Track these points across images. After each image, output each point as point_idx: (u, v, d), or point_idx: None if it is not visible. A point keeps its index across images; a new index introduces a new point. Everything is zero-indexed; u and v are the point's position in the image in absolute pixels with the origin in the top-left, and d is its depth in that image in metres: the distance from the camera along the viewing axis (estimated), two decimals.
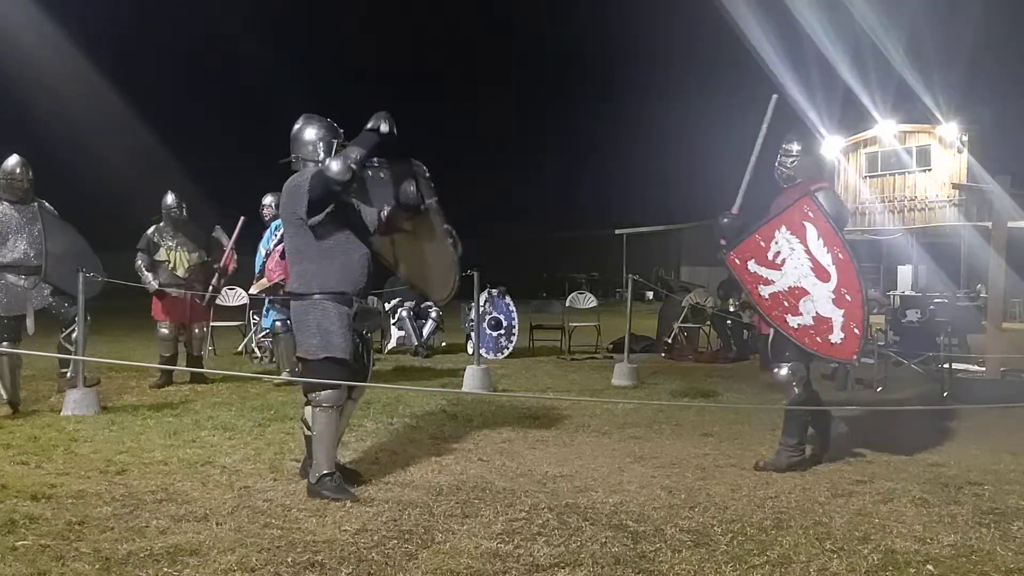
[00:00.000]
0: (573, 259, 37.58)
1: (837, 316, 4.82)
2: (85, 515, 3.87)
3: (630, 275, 10.13)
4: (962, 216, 24.94)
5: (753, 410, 6.72)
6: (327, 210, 4.26)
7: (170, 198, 8.28)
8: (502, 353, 11.22)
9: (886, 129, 27.01)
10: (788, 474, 4.88)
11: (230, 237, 8.68)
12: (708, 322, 12.12)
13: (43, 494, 4.16)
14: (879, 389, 8.37)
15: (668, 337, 11.82)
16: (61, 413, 6.33)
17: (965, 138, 25.24)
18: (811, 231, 4.91)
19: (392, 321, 11.72)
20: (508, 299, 11.57)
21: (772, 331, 5.13)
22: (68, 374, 6.84)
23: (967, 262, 24.18)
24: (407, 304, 11.40)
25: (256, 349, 10.83)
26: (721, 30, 29.56)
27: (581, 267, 36.30)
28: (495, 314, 11.33)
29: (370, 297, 4.53)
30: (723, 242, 5.19)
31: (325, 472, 4.24)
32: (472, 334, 9.54)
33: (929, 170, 26.47)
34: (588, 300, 12.98)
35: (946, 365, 8.35)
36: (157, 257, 8.11)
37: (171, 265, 8.15)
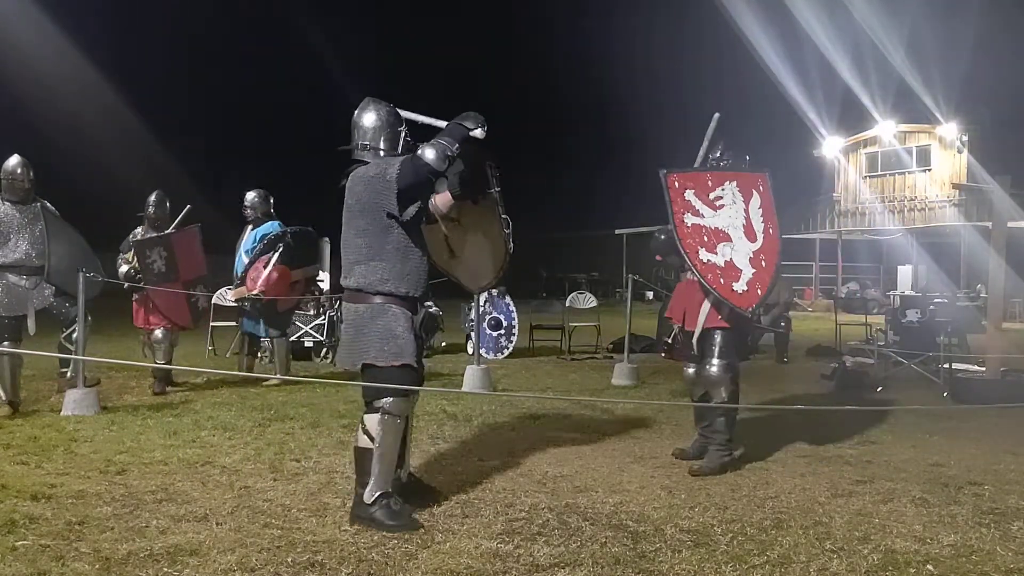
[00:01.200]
0: (573, 259, 37.56)
1: (748, 271, 4.97)
2: (85, 515, 3.87)
3: (630, 275, 10.13)
4: (962, 216, 24.96)
5: (753, 410, 6.72)
6: (417, 204, 3.96)
7: (153, 198, 8.08)
8: (502, 353, 11.22)
9: (886, 129, 27.04)
10: (788, 474, 4.88)
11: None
12: None
13: (43, 494, 4.16)
14: (879, 389, 8.37)
15: (668, 337, 11.77)
16: (61, 413, 6.33)
17: (965, 138, 25.27)
18: (756, 200, 5.12)
19: None
20: (508, 299, 11.57)
21: (699, 327, 5.11)
22: (68, 374, 6.83)
23: (967, 262, 24.21)
24: None
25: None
26: (722, 31, 29.58)
27: (581, 267, 36.28)
28: (495, 314, 11.33)
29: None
30: (658, 258, 5.42)
31: (383, 491, 3.83)
32: (472, 334, 9.54)
33: (929, 170, 26.50)
34: (588, 300, 12.98)
35: (946, 365, 8.36)
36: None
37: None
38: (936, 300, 10.30)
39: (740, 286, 4.94)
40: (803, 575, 3.34)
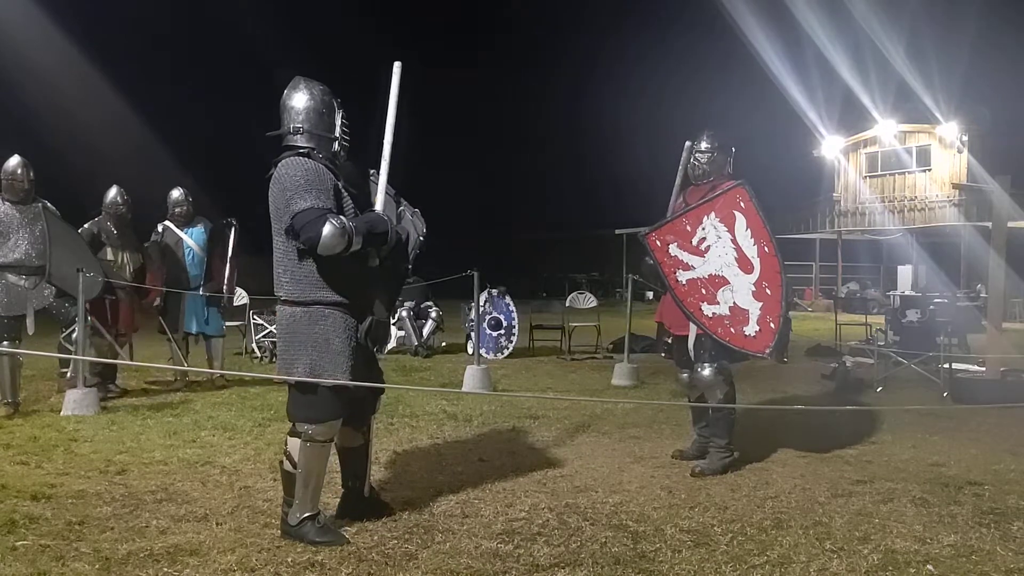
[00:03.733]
0: (573, 259, 37.56)
1: (755, 309, 4.80)
2: (85, 515, 3.87)
3: (630, 275, 10.12)
4: (962, 216, 24.96)
5: (753, 410, 6.72)
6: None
7: (113, 192, 7.77)
8: (502, 353, 11.22)
9: (886, 129, 27.03)
10: (788, 474, 4.88)
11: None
12: None
13: (43, 494, 4.16)
14: (879, 389, 8.37)
15: (668, 337, 11.79)
16: (61, 413, 6.33)
17: (965, 138, 25.25)
18: (740, 221, 4.89)
19: (392, 321, 11.70)
20: (508, 299, 11.57)
21: (693, 332, 4.95)
22: (68, 374, 6.83)
23: (967, 262, 24.20)
24: (407, 304, 11.40)
25: (256, 349, 10.83)
26: (722, 31, 29.60)
27: (581, 267, 36.28)
28: (495, 314, 11.33)
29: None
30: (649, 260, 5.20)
31: (308, 514, 3.62)
32: (472, 334, 9.54)
33: (929, 170, 26.50)
34: (588, 300, 12.98)
35: (946, 365, 8.35)
36: (101, 256, 7.41)
37: (117, 265, 7.62)
38: (936, 300, 10.30)
39: (751, 329, 4.79)
40: (803, 575, 3.34)
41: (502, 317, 11.36)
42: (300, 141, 3.69)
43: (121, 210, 7.75)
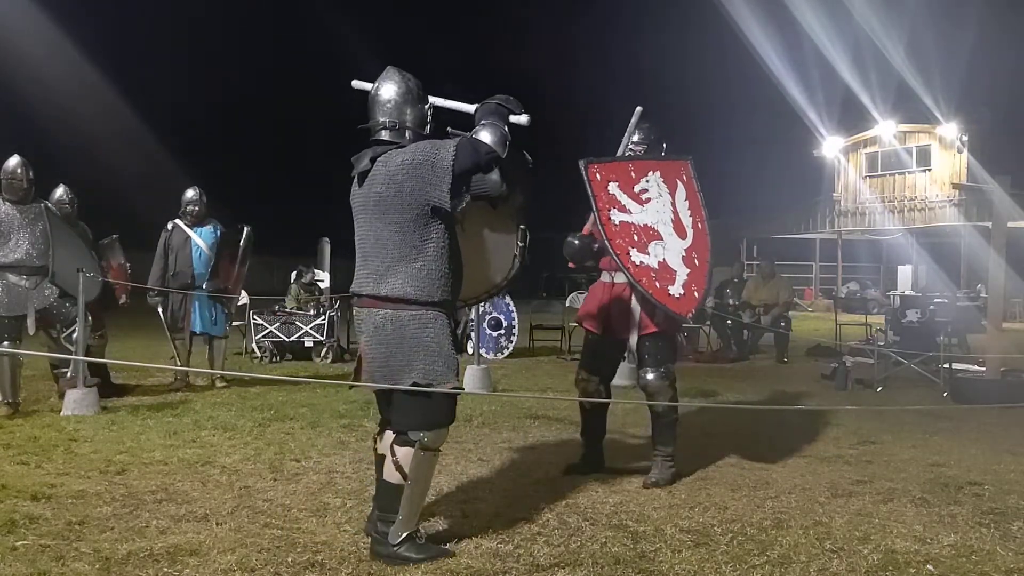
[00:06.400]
0: None
1: (682, 272, 4.63)
2: (85, 515, 3.86)
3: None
4: (962, 216, 24.96)
5: (753, 410, 6.72)
6: (467, 196, 3.51)
7: (60, 191, 7.55)
8: (502, 353, 11.22)
9: (886, 129, 27.03)
10: (788, 474, 4.88)
11: (123, 252, 8.00)
12: (708, 322, 12.12)
13: (43, 494, 4.16)
14: (879, 389, 8.37)
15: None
16: (61, 413, 6.33)
17: (965, 138, 25.25)
18: (681, 191, 4.78)
19: None
20: (508, 299, 11.56)
21: (634, 336, 4.74)
22: (68, 374, 6.83)
23: (967, 262, 24.22)
24: None
25: (256, 349, 10.83)
26: (722, 31, 29.58)
27: (581, 267, 36.22)
28: (495, 314, 11.33)
29: None
30: (571, 265, 5.09)
31: (410, 532, 3.40)
32: (472, 334, 9.54)
33: (929, 170, 26.50)
34: None
35: (946, 365, 8.36)
36: None
37: None
38: (936, 300, 10.29)
39: (676, 289, 4.58)
40: (803, 575, 3.34)
41: (502, 317, 11.36)
42: (392, 136, 3.53)
43: (67, 209, 7.51)
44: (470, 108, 3.60)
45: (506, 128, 3.45)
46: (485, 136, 3.40)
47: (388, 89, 3.55)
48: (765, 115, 31.93)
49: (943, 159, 26.19)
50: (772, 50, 27.48)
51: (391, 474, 3.41)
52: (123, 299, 7.96)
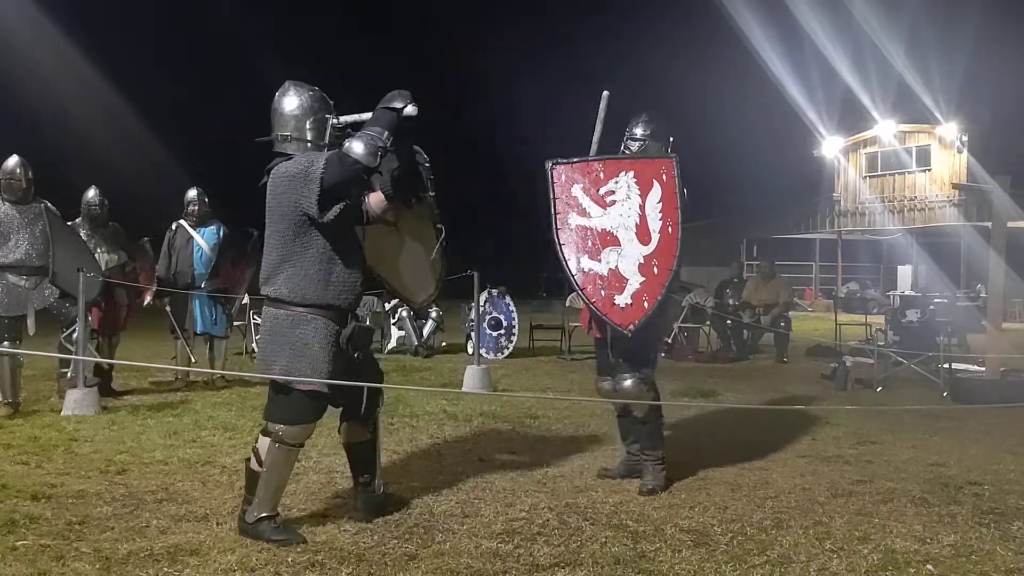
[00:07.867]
0: None
1: (635, 281, 4.42)
2: (85, 515, 3.87)
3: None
4: (962, 216, 24.95)
5: (753, 410, 6.73)
6: (340, 205, 3.54)
7: (91, 193, 7.67)
8: (502, 353, 11.22)
9: (886, 129, 27.03)
10: (788, 474, 4.88)
11: (156, 252, 8.11)
12: (708, 322, 12.13)
13: (43, 494, 4.16)
14: (879, 389, 8.37)
15: (668, 337, 11.82)
16: (61, 413, 6.33)
17: (965, 138, 25.25)
18: (656, 192, 4.52)
19: (392, 321, 11.72)
20: (508, 299, 11.57)
21: (608, 334, 4.60)
22: (68, 374, 6.83)
23: (967, 262, 24.20)
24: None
25: (256, 349, 10.82)
26: (722, 31, 29.58)
27: None
28: (495, 314, 11.33)
29: (368, 299, 3.84)
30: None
31: (266, 514, 3.61)
32: (472, 334, 9.54)
33: (929, 170, 26.50)
34: None
35: (946, 365, 8.36)
36: None
37: None
38: (936, 300, 10.30)
39: (624, 299, 4.38)
40: (803, 575, 3.34)
41: (502, 317, 11.36)
42: (290, 148, 3.70)
43: (96, 211, 7.65)
44: (367, 115, 3.69)
45: (383, 136, 3.52)
46: (356, 148, 3.51)
47: (286, 102, 3.72)
48: (765, 115, 31.90)
49: (943, 159, 26.19)
50: (772, 50, 27.49)
51: (252, 460, 3.67)
52: (147, 300, 8.00)
